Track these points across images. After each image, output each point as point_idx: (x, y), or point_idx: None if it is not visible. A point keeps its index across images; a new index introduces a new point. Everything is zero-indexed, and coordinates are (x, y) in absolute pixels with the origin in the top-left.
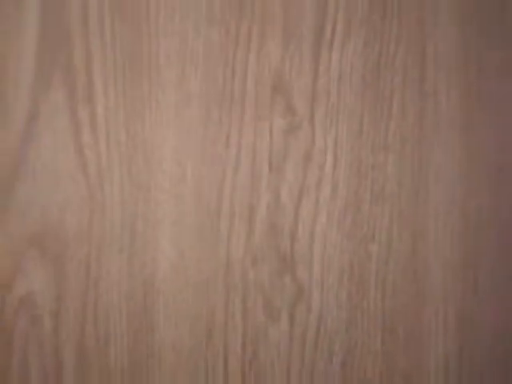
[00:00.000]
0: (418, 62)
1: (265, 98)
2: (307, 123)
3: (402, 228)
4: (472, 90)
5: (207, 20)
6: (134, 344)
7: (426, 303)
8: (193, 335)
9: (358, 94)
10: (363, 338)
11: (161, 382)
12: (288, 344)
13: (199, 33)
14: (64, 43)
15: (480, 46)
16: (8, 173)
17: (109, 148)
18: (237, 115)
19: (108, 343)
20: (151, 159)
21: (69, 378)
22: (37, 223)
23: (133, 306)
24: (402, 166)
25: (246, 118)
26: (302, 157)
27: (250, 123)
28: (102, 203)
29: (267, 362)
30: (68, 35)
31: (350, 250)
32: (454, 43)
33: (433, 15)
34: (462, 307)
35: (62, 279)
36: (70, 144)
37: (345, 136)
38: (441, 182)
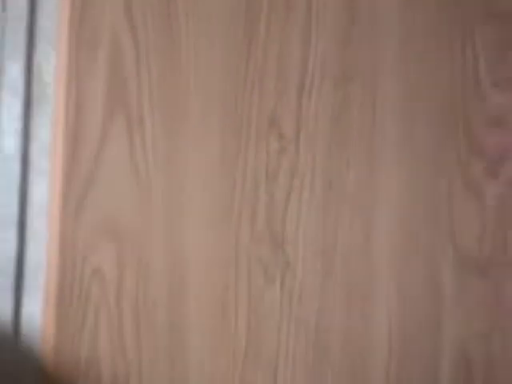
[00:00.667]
0: (370, 103)
1: (264, 128)
2: (293, 146)
3: (357, 220)
4: (413, 127)
5: (225, 83)
6: (173, 303)
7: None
8: (214, 289)
9: (328, 127)
10: (332, 296)
11: (192, 321)
12: (279, 300)
13: (221, 89)
14: (123, 86)
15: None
16: (86, 178)
17: (154, 162)
18: (245, 140)
19: (155, 304)
20: (182, 169)
21: (128, 330)
22: (105, 216)
23: (171, 275)
24: (357, 176)
25: (251, 142)
26: (289, 169)
27: (253, 145)
28: (148, 202)
29: (265, 313)
30: (125, 80)
31: (322, 236)
32: (402, 90)
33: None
34: None
35: (122, 257)
36: (127, 159)
37: (319, 155)
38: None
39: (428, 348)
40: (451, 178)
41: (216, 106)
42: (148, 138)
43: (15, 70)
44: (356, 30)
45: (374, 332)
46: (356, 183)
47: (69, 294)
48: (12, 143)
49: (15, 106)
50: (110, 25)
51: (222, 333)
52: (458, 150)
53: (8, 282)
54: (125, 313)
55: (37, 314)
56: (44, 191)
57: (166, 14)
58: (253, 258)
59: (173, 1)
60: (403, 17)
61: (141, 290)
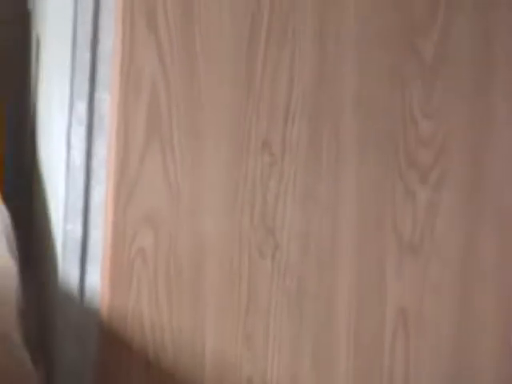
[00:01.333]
0: (335, 131)
1: (259, 147)
2: (280, 161)
3: (326, 215)
4: (367, 149)
5: (232, 113)
6: (194, 272)
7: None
8: (224, 262)
9: (305, 148)
10: (308, 268)
11: (208, 285)
12: (270, 271)
13: (229, 117)
14: (158, 117)
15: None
16: (131, 184)
17: (180, 171)
18: (245, 155)
19: (181, 272)
20: (201, 176)
21: (162, 291)
22: (145, 211)
23: (193, 252)
24: (327, 184)
25: (250, 157)
26: (278, 178)
27: (252, 159)
28: (176, 200)
29: (260, 280)
30: (160, 113)
31: (301, 226)
32: (359, 123)
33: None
34: None
35: (157, 239)
36: (161, 169)
37: (299, 168)
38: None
39: (377, 311)
40: (394, 185)
41: (225, 130)
42: (176, 154)
43: (81, 106)
44: (325, 72)
45: (338, 297)
46: (326, 189)
47: (119, 266)
48: (78, 158)
49: (81, 132)
50: (149, 73)
51: (230, 294)
52: (399, 165)
53: (75, 257)
54: (159, 279)
55: (97, 280)
56: (101, 193)
57: (189, 63)
58: (252, 241)
59: (194, 54)
60: (361, 66)
61: (171, 262)
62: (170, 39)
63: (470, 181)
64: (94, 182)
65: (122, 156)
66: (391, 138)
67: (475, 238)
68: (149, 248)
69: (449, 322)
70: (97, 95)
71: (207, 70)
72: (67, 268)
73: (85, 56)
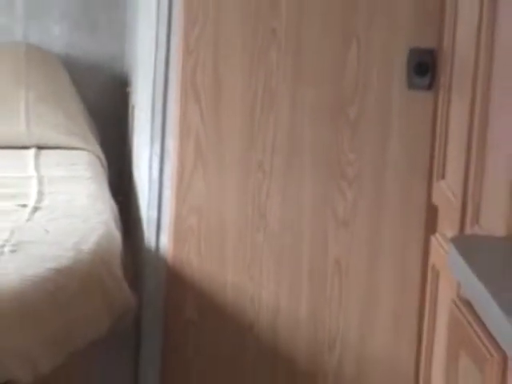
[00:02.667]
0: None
1: (255, 167)
2: (269, 176)
3: (294, 206)
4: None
5: (241, 151)
6: (220, 237)
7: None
8: (237, 234)
9: (282, 171)
10: (286, 235)
11: (230, 247)
12: (262, 241)
13: (239, 145)
14: (200, 146)
15: None
16: (185, 189)
17: (212, 182)
18: (249, 172)
19: (216, 238)
20: (224, 184)
21: (205, 247)
22: (194, 205)
23: (218, 227)
24: (296, 188)
25: (251, 173)
26: (266, 185)
27: (252, 175)
28: (210, 198)
29: (257, 244)
30: (201, 150)
31: (282, 212)
32: (311, 165)
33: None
34: None
35: (200, 220)
36: (202, 183)
37: (281, 180)
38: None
39: (323, 260)
40: (332, 186)
41: (236, 158)
42: (209, 172)
43: (156, 145)
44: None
45: (303, 255)
46: (295, 194)
47: (178, 234)
48: (155, 174)
49: (156, 160)
50: (194, 126)
51: (240, 250)
52: (336, 176)
53: (154, 230)
54: (202, 242)
55: (165, 243)
56: (168, 195)
57: (217, 121)
58: (251, 222)
59: (219, 116)
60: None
61: (207, 231)
62: (206, 108)
63: (376, 186)
64: (164, 188)
65: (181, 173)
66: (333, 162)
67: (380, 219)
68: (195, 225)
69: (363, 269)
70: (166, 139)
71: (227, 125)
72: (149, 236)
73: (158, 117)
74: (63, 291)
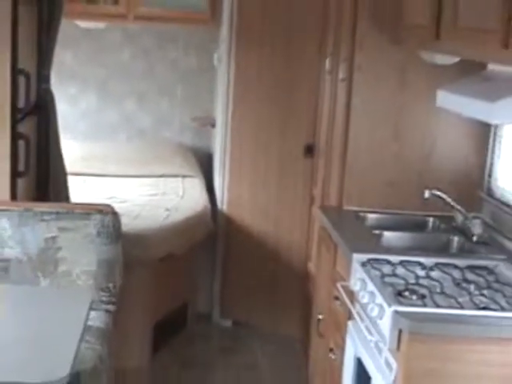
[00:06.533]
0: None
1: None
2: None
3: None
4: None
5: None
6: (243, 217)
7: None
8: (250, 212)
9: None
10: (271, 219)
11: (246, 219)
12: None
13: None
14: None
15: None
16: (237, 185)
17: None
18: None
19: (243, 207)
20: (243, 188)
21: (241, 218)
22: (233, 199)
23: (239, 214)
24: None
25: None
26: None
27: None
28: (241, 193)
29: (260, 207)
30: (243, 151)
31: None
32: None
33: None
34: None
35: (240, 209)
36: (239, 182)
37: (272, 187)
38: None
39: (295, 209)
40: (303, 190)
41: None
42: (244, 171)
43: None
44: None
45: (284, 213)
46: (276, 183)
47: (231, 208)
48: (218, 160)
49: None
50: (249, 152)
51: (259, 212)
52: (306, 183)
53: (220, 202)
54: (242, 208)
55: (225, 207)
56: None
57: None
58: (258, 205)
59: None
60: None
61: (242, 206)
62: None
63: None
64: (225, 189)
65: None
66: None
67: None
68: (238, 212)
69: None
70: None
71: (257, 138)
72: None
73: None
74: (194, 220)
